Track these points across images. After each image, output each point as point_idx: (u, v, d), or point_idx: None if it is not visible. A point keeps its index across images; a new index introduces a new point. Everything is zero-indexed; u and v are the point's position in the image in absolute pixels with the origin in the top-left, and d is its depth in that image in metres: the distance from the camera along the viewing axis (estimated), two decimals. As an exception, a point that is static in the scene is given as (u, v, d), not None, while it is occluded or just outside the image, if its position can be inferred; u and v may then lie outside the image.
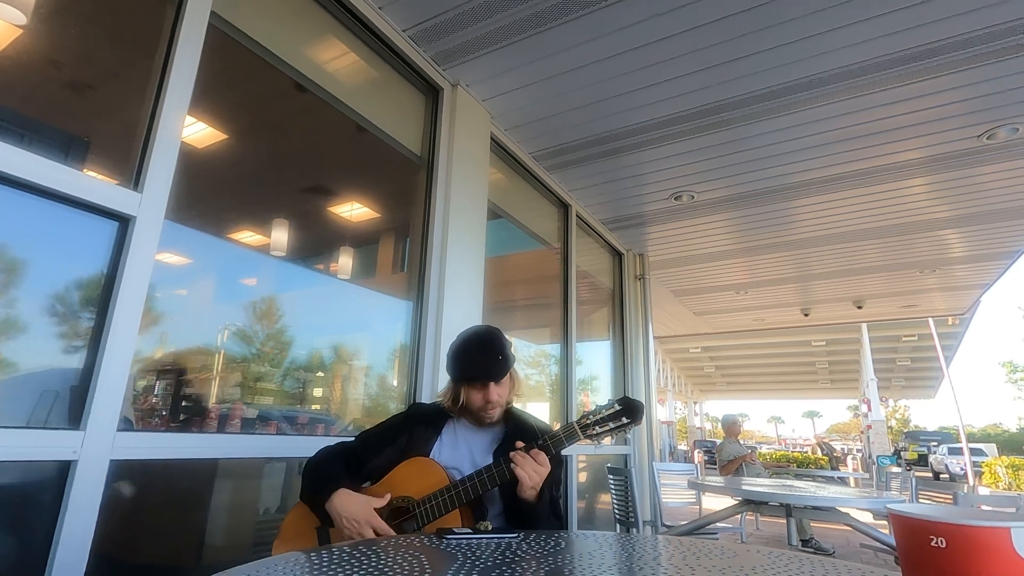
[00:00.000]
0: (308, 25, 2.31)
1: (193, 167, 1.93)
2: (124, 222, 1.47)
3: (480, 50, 2.64)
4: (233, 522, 2.11)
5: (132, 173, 1.53)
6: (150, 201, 1.50)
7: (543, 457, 1.28)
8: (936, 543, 0.42)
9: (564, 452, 1.45)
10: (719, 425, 8.01)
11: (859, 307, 7.52)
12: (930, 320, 13.41)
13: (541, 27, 2.46)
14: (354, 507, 1.26)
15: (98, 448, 1.33)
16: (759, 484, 3.60)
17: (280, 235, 3.32)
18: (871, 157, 3.54)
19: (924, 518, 0.44)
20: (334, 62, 2.50)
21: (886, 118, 3.10)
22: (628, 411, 1.30)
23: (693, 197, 4.19)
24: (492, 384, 1.43)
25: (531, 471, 1.26)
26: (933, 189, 3.99)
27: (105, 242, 1.44)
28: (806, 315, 8.21)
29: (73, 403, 1.37)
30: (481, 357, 1.44)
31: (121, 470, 1.42)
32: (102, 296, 1.42)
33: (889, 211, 4.37)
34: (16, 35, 1.65)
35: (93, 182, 1.40)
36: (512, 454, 1.27)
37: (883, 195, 4.09)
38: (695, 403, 31.96)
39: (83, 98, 2.10)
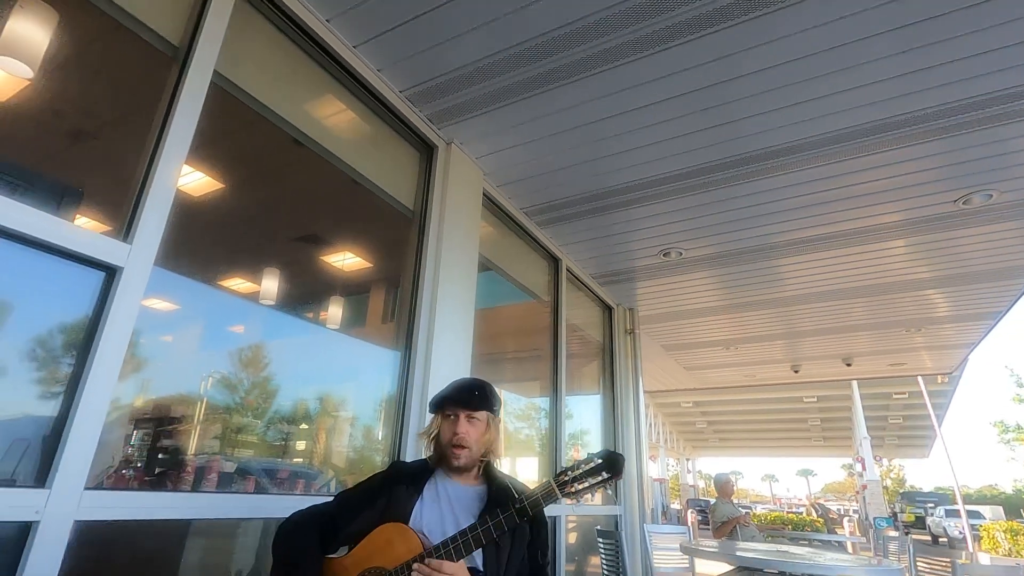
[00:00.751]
0: (307, 83, 2.39)
1: (187, 215, 1.95)
2: (111, 272, 1.46)
3: (474, 111, 2.73)
4: (203, 586, 2.00)
5: (123, 223, 1.53)
6: (139, 251, 1.50)
7: (446, 566, 1.21)
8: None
9: (551, 512, 1.40)
10: (712, 483, 7.82)
11: (848, 364, 7.53)
12: (919, 378, 13.43)
13: (533, 91, 2.57)
14: None
15: (63, 507, 1.27)
16: (754, 549, 3.48)
17: (270, 283, 3.32)
18: (852, 219, 3.64)
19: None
20: (331, 119, 2.57)
21: (866, 183, 3.21)
22: (609, 465, 1.25)
23: (681, 254, 4.26)
24: (463, 416, 1.42)
25: None
26: (913, 251, 4.09)
27: (89, 292, 1.42)
28: (796, 372, 8.20)
29: (44, 450, 1.32)
30: (458, 388, 1.49)
31: (86, 530, 1.35)
32: (81, 347, 1.39)
33: (872, 271, 4.46)
34: (21, 86, 1.70)
35: (81, 233, 1.40)
36: (415, 567, 1.21)
37: (865, 256, 4.18)
38: (687, 459, 31.33)
39: (82, 148, 2.14)
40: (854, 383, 16.40)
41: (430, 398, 1.54)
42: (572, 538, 4.29)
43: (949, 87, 2.45)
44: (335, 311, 3.82)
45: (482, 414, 1.46)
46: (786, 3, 2.06)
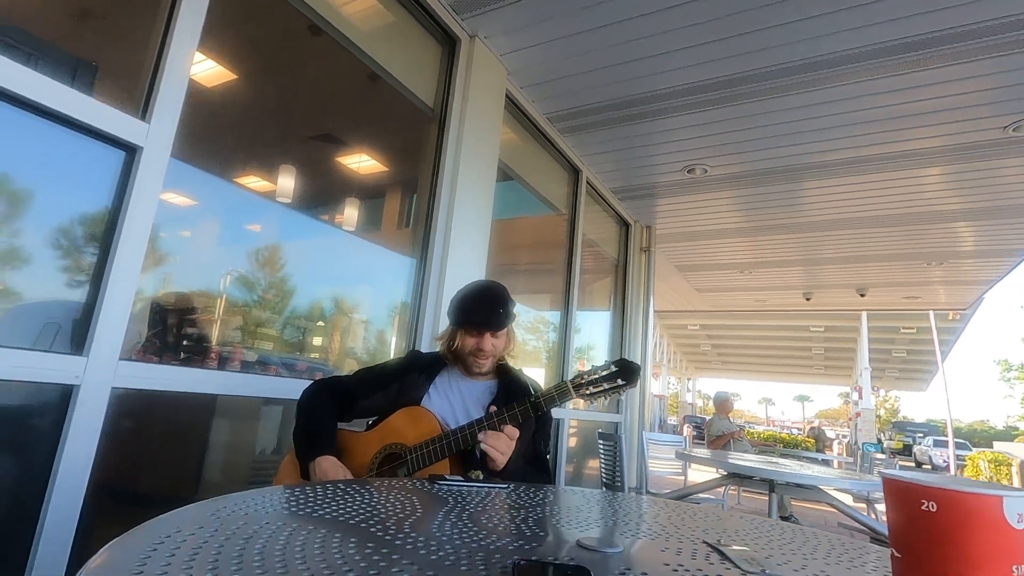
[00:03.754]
0: (325, -38, 2.23)
1: (200, 105, 1.90)
2: (131, 152, 1.45)
3: (501, 1, 2.55)
4: (228, 458, 2.16)
5: (140, 103, 1.50)
6: (157, 132, 1.47)
7: (512, 430, 1.28)
8: (927, 507, 0.43)
9: (556, 414, 1.47)
10: (710, 403, 8.11)
11: (862, 295, 7.50)
12: (931, 313, 13.40)
13: (566, -20, 2.37)
14: (333, 477, 1.29)
15: (100, 374, 1.35)
16: (745, 459, 3.66)
17: (286, 181, 3.28)
18: (889, 142, 3.46)
19: (916, 482, 0.44)
20: (351, 4, 2.42)
21: (909, 102, 3.01)
22: (624, 372, 1.30)
23: (706, 171, 4.13)
24: (488, 334, 1.45)
25: (502, 448, 1.26)
26: (950, 180, 3.92)
27: (112, 170, 1.42)
28: (808, 299, 8.20)
29: (75, 334, 1.38)
30: (482, 306, 1.47)
31: (122, 399, 1.44)
32: (108, 223, 1.41)
33: (902, 199, 4.31)
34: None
35: (101, 107, 1.37)
36: (481, 435, 1.27)
37: (898, 182, 4.02)
38: (689, 379, 32.30)
39: (92, 24, 2.05)
40: (864, 315, 16.40)
41: (447, 303, 1.56)
42: (573, 441, 4.53)
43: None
44: (351, 213, 3.81)
45: (505, 329, 1.49)
46: None
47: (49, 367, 1.27)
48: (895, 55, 2.63)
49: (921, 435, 26.22)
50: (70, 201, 1.44)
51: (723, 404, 6.17)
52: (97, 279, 1.38)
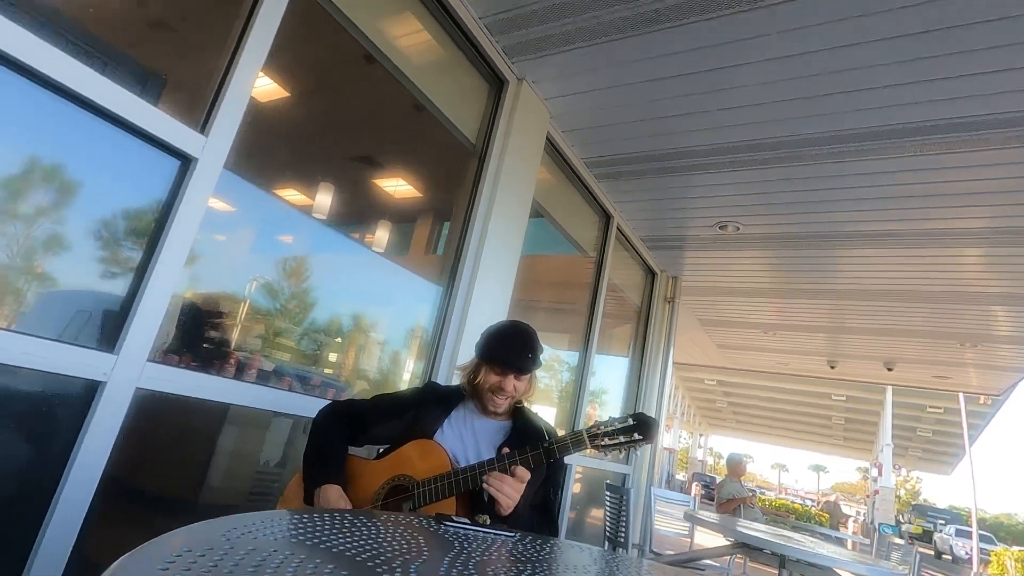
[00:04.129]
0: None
1: (254, 119, 1.97)
2: (187, 162, 1.51)
3: (552, 48, 2.63)
4: (235, 467, 2.16)
5: (201, 116, 1.57)
6: (213, 146, 1.54)
7: (523, 473, 1.26)
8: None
9: (567, 458, 1.44)
10: (721, 461, 7.87)
11: (889, 369, 7.29)
12: (960, 395, 12.91)
13: (619, 34, 2.44)
14: (336, 506, 1.28)
15: (128, 374, 1.37)
16: (755, 528, 3.52)
17: (324, 198, 3.37)
18: (931, 219, 3.41)
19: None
20: (406, 38, 2.52)
21: (955, 181, 2.98)
22: (642, 427, 1.27)
23: (739, 228, 4.11)
24: (512, 375, 1.43)
25: (507, 492, 1.23)
26: (990, 262, 3.83)
27: (166, 177, 1.48)
28: (832, 367, 7.99)
29: (105, 326, 1.42)
30: (514, 345, 1.46)
31: (142, 400, 1.46)
32: (155, 228, 1.46)
33: (939, 276, 4.22)
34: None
35: (164, 118, 1.44)
36: (487, 476, 1.25)
37: (936, 259, 3.94)
38: (701, 435, 31.46)
39: (164, 37, 2.17)
40: (889, 389, 15.89)
41: (468, 333, 1.56)
42: (578, 487, 4.42)
43: (1077, 87, 2.21)
44: (381, 235, 3.89)
45: (529, 375, 1.48)
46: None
47: (79, 361, 1.30)
48: (942, 134, 2.61)
49: (943, 522, 24.90)
50: (122, 200, 1.50)
51: (736, 467, 5.98)
52: (137, 280, 1.43)
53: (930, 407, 16.43)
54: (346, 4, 2.11)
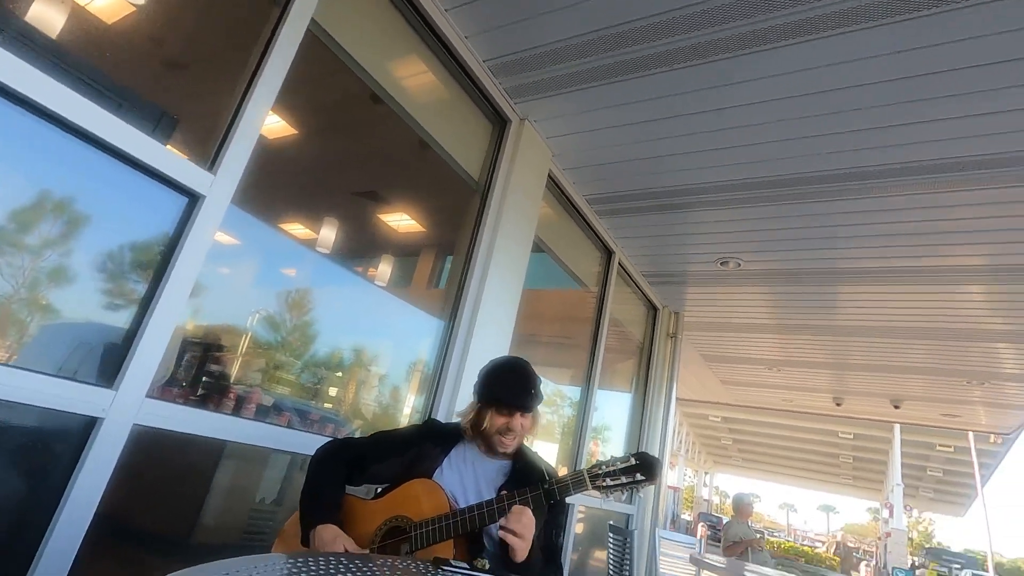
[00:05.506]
0: (395, 42, 2.41)
1: (262, 156, 2.01)
2: (194, 199, 1.53)
3: (553, 90, 2.70)
4: (230, 504, 2.12)
5: (210, 155, 1.60)
6: (222, 183, 1.56)
7: (527, 515, 1.23)
8: None
9: (568, 499, 1.41)
10: (727, 501, 7.68)
11: (896, 407, 7.18)
12: (970, 434, 12.68)
13: (618, 77, 2.51)
14: (332, 548, 1.25)
15: (126, 410, 1.36)
16: (764, 573, 3.41)
17: (328, 233, 3.41)
18: (933, 256, 3.43)
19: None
20: (412, 79, 2.59)
21: (957, 219, 3.00)
22: (644, 468, 1.25)
23: (740, 265, 4.13)
24: (518, 414, 1.41)
25: (524, 534, 1.21)
26: (992, 299, 3.82)
27: (173, 215, 1.51)
28: (838, 405, 7.88)
29: (105, 360, 1.41)
30: (517, 385, 1.43)
31: (139, 436, 1.45)
32: (159, 264, 1.48)
33: (943, 314, 4.20)
34: (130, 11, 1.78)
35: (173, 157, 1.47)
36: (507, 519, 1.22)
37: (939, 296, 3.93)
38: (706, 473, 30.80)
39: (178, 77, 2.23)
40: (896, 427, 15.62)
41: (470, 368, 1.55)
42: (580, 528, 4.31)
43: (1071, 129, 2.25)
44: (384, 269, 3.91)
45: (531, 416, 1.46)
46: (925, 12, 1.92)
47: (77, 397, 1.30)
48: (948, 172, 2.64)
49: (958, 566, 24.02)
50: (129, 235, 1.52)
51: (742, 508, 5.83)
52: (140, 316, 1.43)
53: (940, 445, 16.11)
54: (354, 47, 2.19)
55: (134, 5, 1.76)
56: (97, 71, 1.62)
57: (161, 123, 1.59)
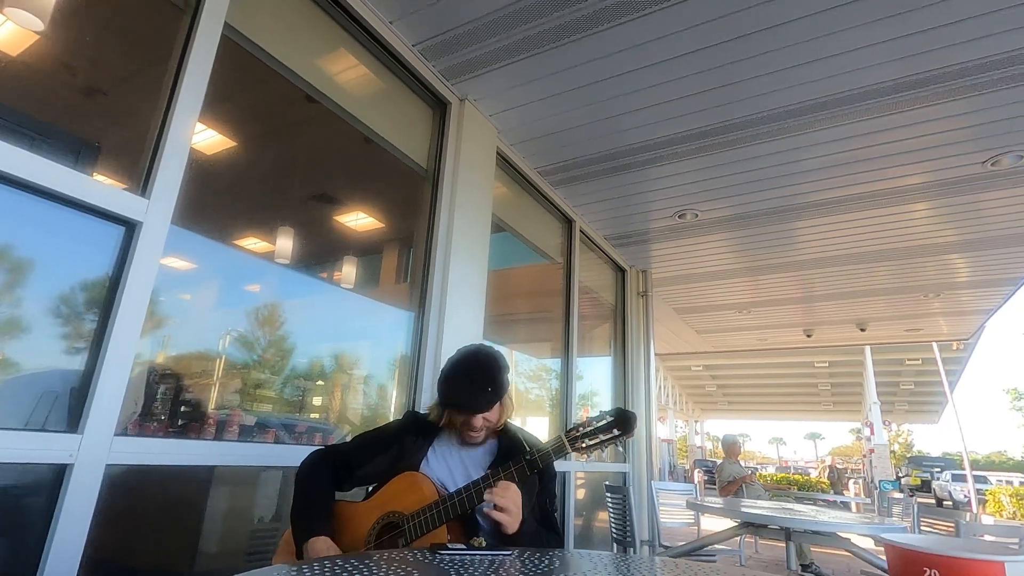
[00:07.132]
0: (319, 37, 2.34)
1: (201, 173, 1.95)
2: (131, 227, 1.48)
3: (489, 65, 2.67)
4: (228, 529, 2.09)
5: (140, 178, 1.54)
6: (157, 207, 1.51)
7: (512, 489, 1.24)
8: (929, 574, 0.42)
9: (561, 467, 1.43)
10: (719, 445, 7.95)
11: (862, 329, 7.48)
12: (934, 345, 13.33)
13: (548, 45, 2.50)
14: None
15: (95, 452, 1.33)
16: (758, 507, 3.56)
17: (285, 243, 3.34)
18: (875, 180, 3.55)
19: (918, 549, 0.43)
20: (343, 74, 2.53)
21: (890, 142, 3.11)
22: (620, 423, 1.26)
23: (697, 215, 4.20)
24: (478, 415, 1.39)
25: (510, 507, 1.22)
26: (937, 214, 3.99)
27: (111, 246, 1.45)
28: (809, 336, 8.17)
29: (72, 405, 1.37)
30: (467, 386, 1.37)
31: (117, 475, 1.42)
32: (105, 300, 1.43)
33: (893, 234, 4.37)
34: (32, 40, 1.69)
35: (101, 187, 1.41)
36: (487, 494, 1.23)
37: (887, 218, 4.09)
38: (696, 422, 31.72)
39: (95, 103, 2.13)
40: (867, 349, 16.31)
41: (446, 356, 1.53)
42: (581, 494, 4.40)
43: (980, 42, 2.34)
44: (349, 271, 3.85)
45: (496, 407, 1.42)
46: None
47: (42, 447, 1.26)
48: (875, 98, 2.73)
49: (938, 469, 25.46)
50: (69, 276, 1.46)
51: (731, 447, 6.05)
52: (94, 355, 1.38)
53: (908, 360, 16.92)
54: (276, 47, 2.12)
55: (37, 33, 1.66)
56: (4, 107, 1.53)
57: (82, 153, 1.52)
